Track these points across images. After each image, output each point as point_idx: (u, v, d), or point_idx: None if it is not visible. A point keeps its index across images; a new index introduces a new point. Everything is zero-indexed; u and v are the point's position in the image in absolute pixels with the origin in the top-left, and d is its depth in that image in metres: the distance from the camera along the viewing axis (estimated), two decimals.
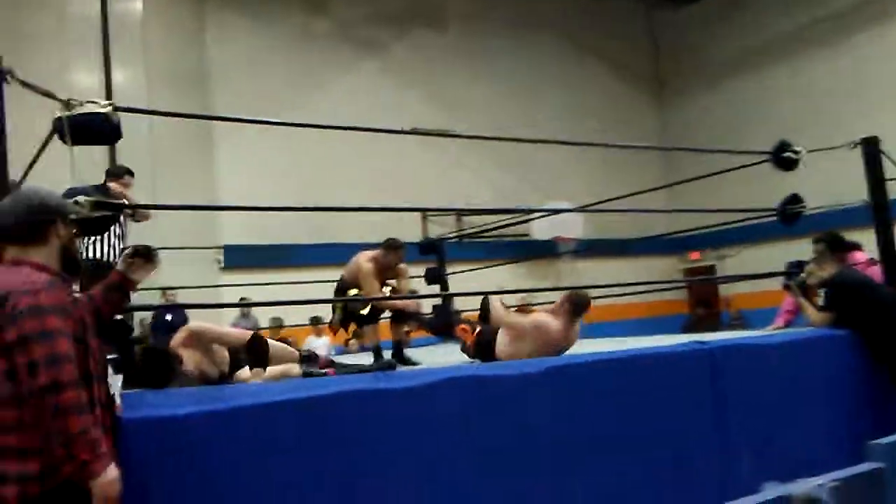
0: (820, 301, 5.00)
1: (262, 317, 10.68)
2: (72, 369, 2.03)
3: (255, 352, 4.08)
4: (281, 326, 10.50)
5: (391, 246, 5.57)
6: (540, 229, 14.10)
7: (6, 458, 2.01)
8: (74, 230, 2.41)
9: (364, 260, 5.52)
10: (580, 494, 3.28)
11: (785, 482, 1.58)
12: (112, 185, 5.03)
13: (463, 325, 5.30)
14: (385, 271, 5.55)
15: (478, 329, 5.06)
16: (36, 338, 2.01)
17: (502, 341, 4.70)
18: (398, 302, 5.51)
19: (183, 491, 2.49)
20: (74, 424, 1.99)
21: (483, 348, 4.81)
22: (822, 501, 1.37)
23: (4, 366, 2.03)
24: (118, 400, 2.34)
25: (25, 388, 1.99)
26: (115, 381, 2.35)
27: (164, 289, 8.91)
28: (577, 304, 4.58)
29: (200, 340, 3.93)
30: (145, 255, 2.64)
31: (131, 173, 5.23)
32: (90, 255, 4.96)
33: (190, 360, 3.83)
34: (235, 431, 2.61)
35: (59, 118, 3.04)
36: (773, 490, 1.39)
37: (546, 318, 4.59)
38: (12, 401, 2.02)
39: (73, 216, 2.40)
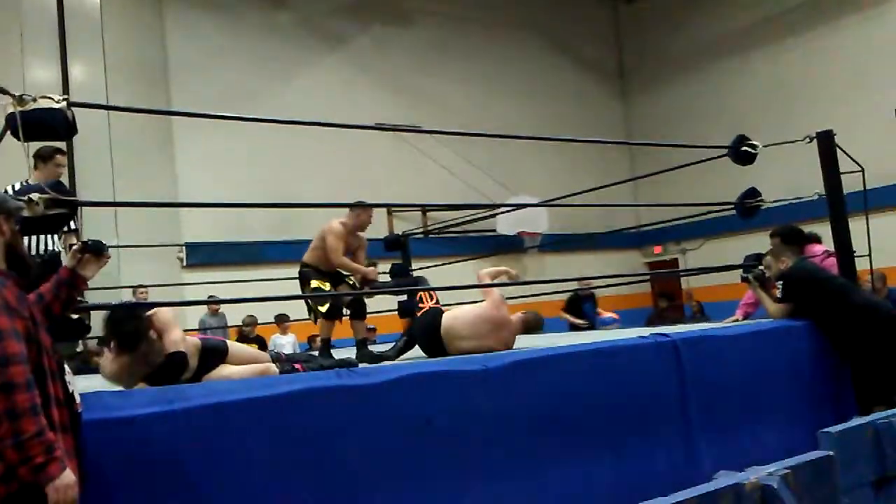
0: (778, 293, 5.10)
1: (229, 315, 10.60)
2: (23, 370, 1.98)
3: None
4: (253, 324, 10.45)
5: (362, 204, 5.71)
6: (505, 224, 14.15)
7: None
8: (19, 227, 2.35)
9: (335, 223, 5.58)
10: (545, 485, 3.31)
11: (743, 468, 1.61)
12: (42, 169, 4.78)
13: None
14: (354, 233, 5.73)
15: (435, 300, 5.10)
16: None
17: (462, 317, 4.68)
18: (360, 278, 5.57)
19: (142, 491, 2.46)
20: (28, 426, 1.94)
21: (429, 323, 4.76)
22: (773, 489, 1.40)
23: None
24: (77, 398, 2.30)
25: None
26: (73, 379, 2.31)
27: (135, 287, 8.76)
28: (530, 328, 4.75)
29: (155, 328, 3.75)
30: (95, 251, 2.61)
31: (62, 152, 5.02)
32: (42, 250, 4.86)
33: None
34: (196, 431, 2.59)
35: (13, 114, 2.97)
36: (726, 478, 1.41)
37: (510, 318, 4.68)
38: None
39: (20, 213, 2.37)
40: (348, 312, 5.76)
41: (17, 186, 4.40)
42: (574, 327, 9.99)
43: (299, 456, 2.75)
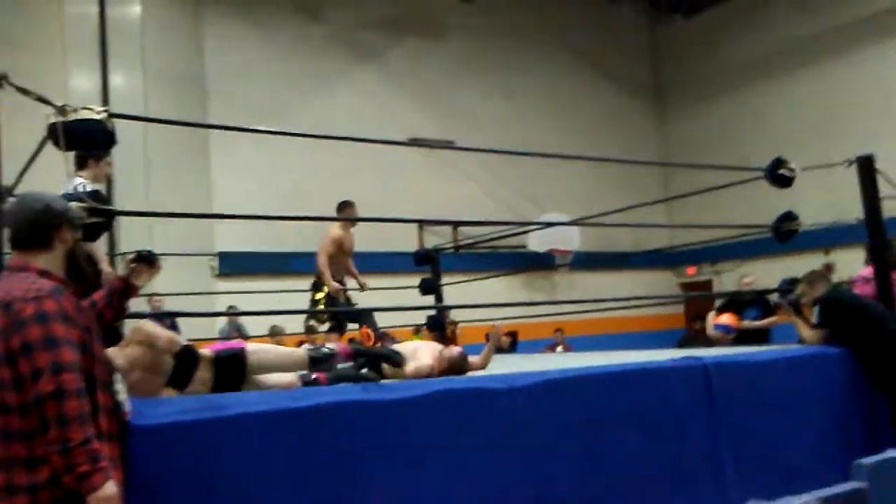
0: (813, 319, 5.01)
1: (258, 325, 10.66)
2: (76, 378, 2.00)
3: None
4: (280, 334, 10.50)
5: (346, 204, 6.17)
6: (536, 241, 14.11)
7: (15, 469, 1.99)
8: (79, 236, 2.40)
9: (333, 228, 6.13)
10: (577, 498, 3.28)
11: (772, 499, 1.57)
12: (92, 168, 4.86)
13: (366, 331, 5.37)
14: (348, 231, 6.15)
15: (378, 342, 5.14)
16: (40, 345, 1.98)
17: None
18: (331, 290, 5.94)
19: (184, 497, 2.48)
20: (76, 434, 1.95)
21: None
22: None
23: (10, 374, 2.00)
24: (126, 406, 2.32)
25: (31, 396, 1.96)
26: (122, 387, 2.34)
27: (149, 295, 8.74)
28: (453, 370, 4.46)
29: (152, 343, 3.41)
30: (148, 261, 2.65)
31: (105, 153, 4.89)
32: None
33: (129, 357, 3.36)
34: (237, 439, 2.60)
35: (54, 124, 3.03)
36: None
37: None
38: (19, 410, 2.00)
39: (79, 222, 2.39)
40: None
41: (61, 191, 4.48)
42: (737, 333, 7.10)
43: (320, 471, 2.74)
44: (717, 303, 7.25)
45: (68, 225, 2.26)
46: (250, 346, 3.68)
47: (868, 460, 1.63)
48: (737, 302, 7.16)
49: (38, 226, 2.19)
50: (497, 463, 3.17)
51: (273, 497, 2.64)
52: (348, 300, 6.33)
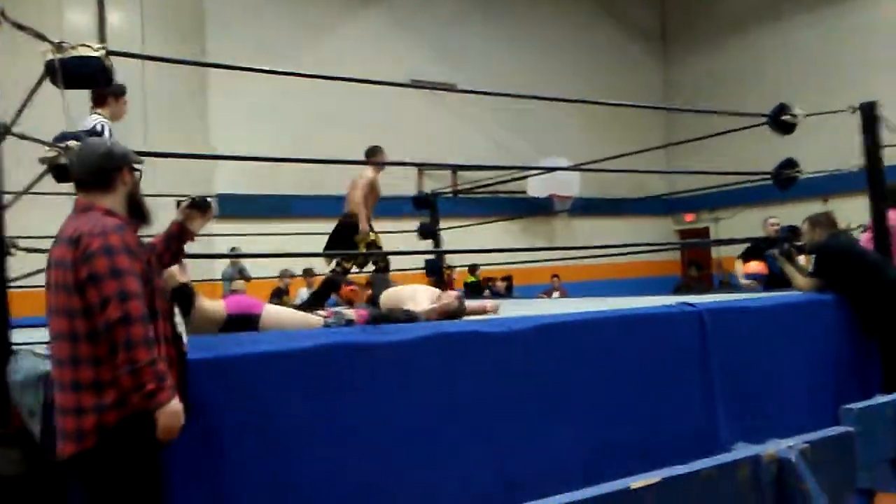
0: (809, 267, 5.04)
1: (258, 267, 10.72)
2: (140, 305, 2.16)
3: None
4: (290, 276, 10.60)
5: (377, 149, 6.27)
6: (536, 187, 14.08)
7: (83, 391, 2.16)
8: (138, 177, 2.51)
9: (366, 171, 6.20)
10: (565, 447, 3.35)
11: (761, 442, 1.61)
12: (111, 105, 4.76)
13: (352, 287, 5.39)
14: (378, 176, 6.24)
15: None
16: (107, 276, 2.14)
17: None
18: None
19: (237, 426, 2.59)
20: (143, 356, 2.11)
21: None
22: (790, 462, 1.40)
23: (79, 304, 2.17)
24: (184, 338, 2.44)
25: (100, 323, 2.12)
26: (181, 320, 2.49)
27: (149, 236, 8.83)
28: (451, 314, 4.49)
29: None
30: (202, 207, 2.77)
31: (125, 90, 4.91)
32: None
33: None
34: (290, 371, 2.73)
35: (52, 61, 3.00)
36: (744, 449, 1.42)
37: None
38: (87, 336, 2.17)
39: (137, 165, 2.49)
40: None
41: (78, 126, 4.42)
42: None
43: (325, 410, 2.80)
44: (740, 250, 7.22)
45: (128, 168, 2.43)
46: (265, 311, 3.64)
47: (856, 405, 1.67)
48: (758, 248, 6.98)
49: (102, 169, 2.36)
50: (493, 405, 3.23)
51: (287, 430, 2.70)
52: (377, 243, 6.39)
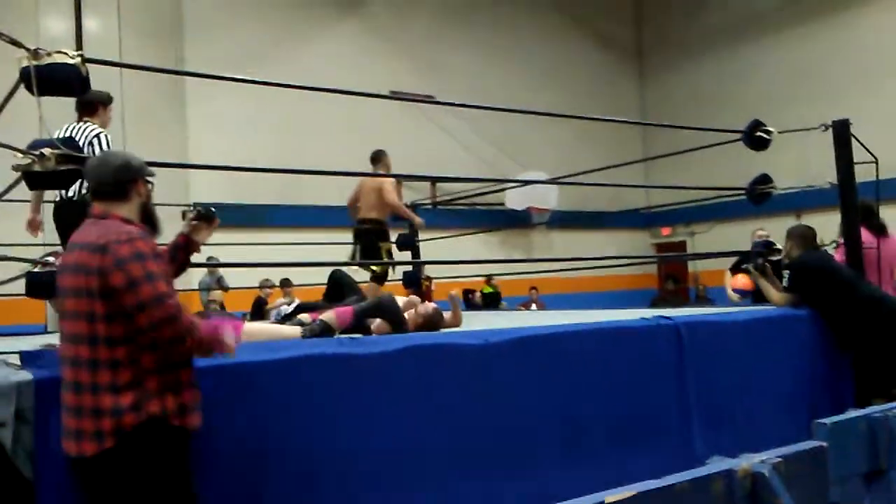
0: (784, 282, 5.10)
1: (234, 277, 10.63)
2: (176, 303, 2.27)
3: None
4: (270, 286, 10.53)
5: (383, 153, 6.53)
6: (514, 199, 14.13)
7: (101, 394, 2.23)
8: (150, 188, 2.59)
9: (384, 182, 6.30)
10: (541, 458, 3.35)
11: (735, 455, 1.62)
12: (101, 115, 4.88)
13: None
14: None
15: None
16: (143, 280, 2.23)
17: None
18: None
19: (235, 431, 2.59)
20: (191, 340, 2.27)
21: None
22: (764, 476, 1.41)
23: (103, 309, 2.24)
24: None
25: (144, 324, 2.22)
26: None
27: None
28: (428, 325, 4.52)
29: None
30: (208, 218, 2.84)
31: (111, 99, 5.08)
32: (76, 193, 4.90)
33: None
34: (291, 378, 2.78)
35: (27, 67, 2.97)
36: (718, 463, 1.43)
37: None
38: (106, 340, 2.24)
39: (150, 177, 2.58)
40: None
41: (62, 134, 4.39)
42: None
43: (294, 422, 2.78)
44: (729, 263, 7.28)
45: (143, 180, 2.53)
46: (244, 331, 3.57)
47: (829, 420, 1.69)
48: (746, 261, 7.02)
49: (118, 180, 2.45)
50: (470, 417, 3.22)
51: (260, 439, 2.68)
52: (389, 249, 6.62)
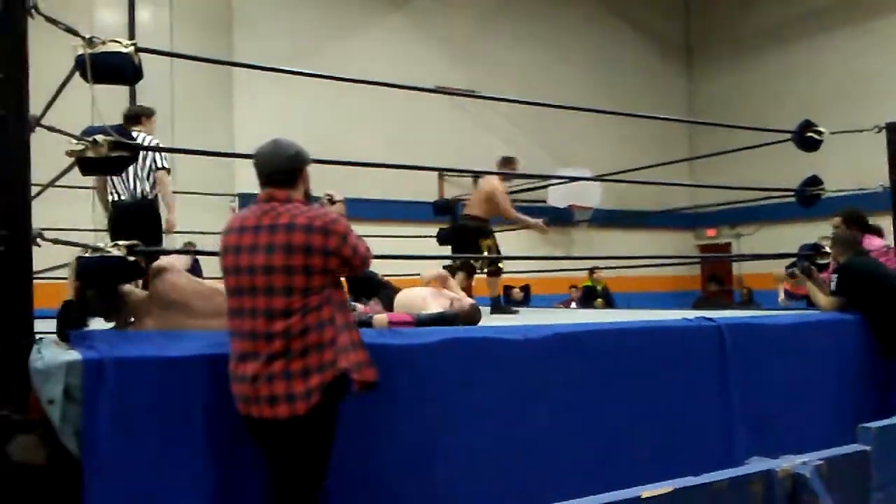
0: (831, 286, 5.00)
1: None
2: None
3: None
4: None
5: (509, 160, 6.72)
6: (556, 196, 14.03)
7: (310, 355, 2.49)
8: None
9: (496, 182, 6.48)
10: (580, 455, 3.34)
11: (777, 457, 1.60)
12: (145, 124, 5.33)
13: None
14: None
15: None
16: (358, 243, 2.67)
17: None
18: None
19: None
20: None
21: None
22: (805, 477, 1.39)
23: (320, 281, 2.55)
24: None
25: (357, 265, 2.67)
26: None
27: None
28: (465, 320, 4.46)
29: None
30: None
31: (154, 112, 5.65)
32: (137, 193, 5.18)
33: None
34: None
35: (82, 55, 3.04)
36: (758, 463, 1.41)
37: None
38: (316, 308, 2.52)
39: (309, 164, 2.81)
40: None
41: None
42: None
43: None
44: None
45: (306, 168, 2.78)
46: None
47: (874, 424, 1.65)
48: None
49: (291, 168, 2.70)
50: (509, 413, 3.22)
51: None
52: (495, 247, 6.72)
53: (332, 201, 3.07)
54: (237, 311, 2.58)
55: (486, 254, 6.40)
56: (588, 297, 11.93)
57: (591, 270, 12.11)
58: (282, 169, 2.69)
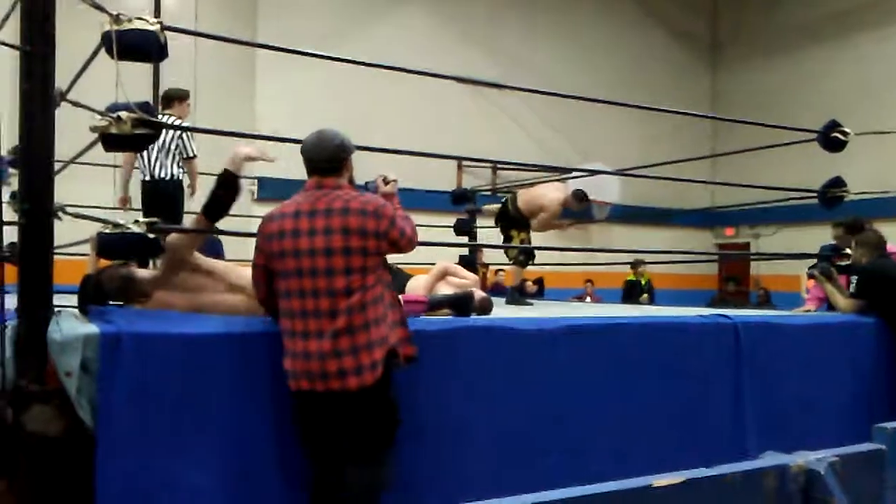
0: (852, 288, 4.95)
1: None
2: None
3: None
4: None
5: (581, 198, 6.41)
6: None
7: (372, 328, 2.65)
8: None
9: (556, 195, 6.34)
10: (591, 445, 3.34)
11: (790, 453, 1.59)
12: (176, 107, 5.40)
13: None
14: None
15: None
16: (406, 224, 2.84)
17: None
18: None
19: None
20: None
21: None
22: (819, 474, 1.38)
23: (375, 261, 2.73)
24: None
25: (408, 250, 2.86)
26: None
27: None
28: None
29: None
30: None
31: (188, 94, 5.84)
32: (166, 176, 5.27)
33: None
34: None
35: (108, 32, 3.06)
36: (772, 458, 1.40)
37: None
38: (372, 286, 2.69)
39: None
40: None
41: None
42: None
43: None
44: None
45: (350, 156, 2.94)
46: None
47: (890, 424, 1.64)
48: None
49: (336, 157, 2.85)
50: (521, 401, 3.23)
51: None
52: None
53: (385, 181, 3.18)
54: (296, 292, 2.68)
55: (517, 242, 6.47)
56: (631, 292, 11.71)
57: (634, 265, 11.93)
58: (327, 158, 2.82)
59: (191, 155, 5.51)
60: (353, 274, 2.66)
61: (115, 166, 6.10)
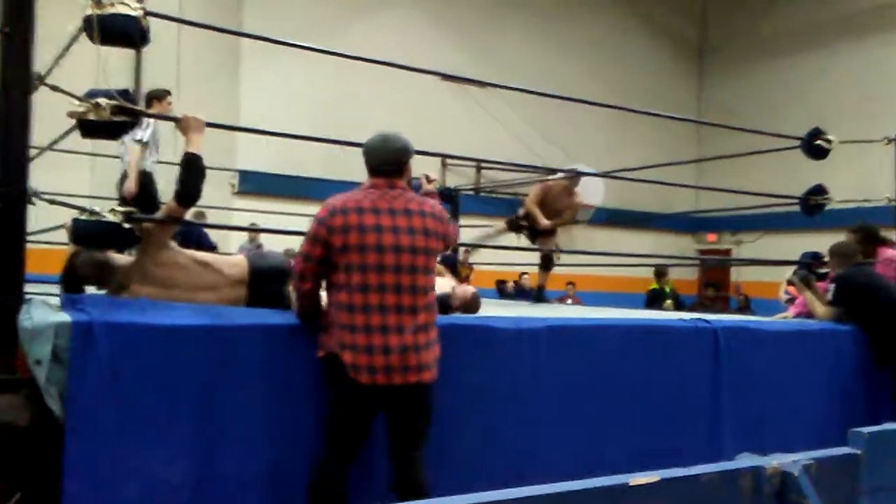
0: (828, 296, 4.98)
1: (273, 245, 10.73)
2: None
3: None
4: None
5: (570, 176, 6.71)
6: None
7: (430, 328, 2.79)
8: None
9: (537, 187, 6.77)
10: (567, 447, 3.33)
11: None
12: (156, 107, 5.31)
13: None
14: (554, 199, 6.70)
15: None
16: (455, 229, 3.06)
17: None
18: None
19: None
20: None
21: None
22: (793, 476, 1.38)
23: (434, 262, 2.88)
24: None
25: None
26: None
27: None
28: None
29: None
30: None
31: (168, 93, 5.75)
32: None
33: None
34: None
35: (90, 16, 3.00)
36: (748, 459, 1.40)
37: None
38: (432, 287, 2.86)
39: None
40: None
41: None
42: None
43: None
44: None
45: (410, 160, 2.99)
46: None
47: (866, 429, 1.64)
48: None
49: (399, 159, 2.92)
50: (500, 401, 3.21)
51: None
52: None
53: (429, 180, 3.41)
54: (375, 287, 2.72)
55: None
56: (654, 300, 11.67)
57: (658, 273, 11.89)
58: (393, 160, 2.91)
59: (137, 139, 5.41)
60: (430, 273, 2.84)
61: (94, 154, 6.02)
